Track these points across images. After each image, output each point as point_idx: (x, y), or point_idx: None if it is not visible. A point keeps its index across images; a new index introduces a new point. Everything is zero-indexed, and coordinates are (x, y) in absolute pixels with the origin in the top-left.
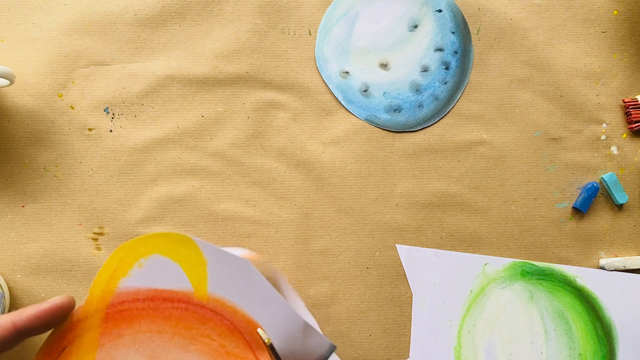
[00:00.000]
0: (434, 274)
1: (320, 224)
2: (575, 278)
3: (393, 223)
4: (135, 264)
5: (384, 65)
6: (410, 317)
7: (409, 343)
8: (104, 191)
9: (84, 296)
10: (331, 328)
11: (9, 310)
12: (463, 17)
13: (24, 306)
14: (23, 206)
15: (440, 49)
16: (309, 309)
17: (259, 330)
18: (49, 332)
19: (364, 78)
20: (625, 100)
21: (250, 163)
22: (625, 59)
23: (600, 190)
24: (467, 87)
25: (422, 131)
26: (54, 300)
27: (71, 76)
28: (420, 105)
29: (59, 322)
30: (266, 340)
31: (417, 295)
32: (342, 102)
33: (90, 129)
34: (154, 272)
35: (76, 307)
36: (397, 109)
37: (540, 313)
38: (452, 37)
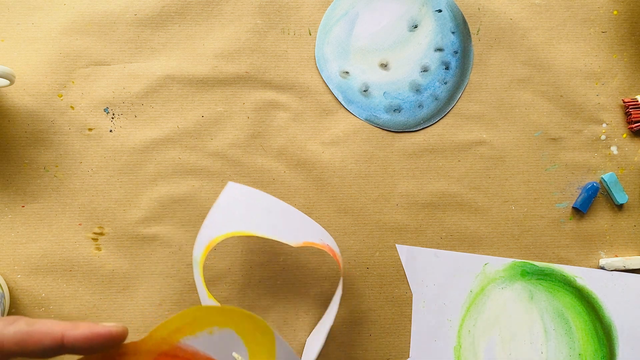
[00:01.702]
0: (434, 274)
1: (320, 223)
2: (575, 278)
3: (393, 223)
4: (207, 329)
5: (384, 65)
6: (410, 317)
7: (409, 343)
8: (104, 191)
9: (84, 296)
10: (331, 328)
11: (9, 311)
12: (463, 17)
13: (24, 306)
14: (23, 206)
15: (440, 49)
16: (309, 309)
17: (234, 354)
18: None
19: (364, 78)
20: (625, 100)
21: (250, 163)
22: (625, 59)
23: (600, 190)
24: (467, 87)
25: (422, 131)
26: (110, 326)
27: (71, 76)
28: (420, 105)
29: (106, 350)
30: None
31: (417, 295)
32: (342, 102)
33: (90, 129)
34: (220, 345)
35: (128, 341)
36: (397, 109)
37: (540, 313)
38: (452, 37)
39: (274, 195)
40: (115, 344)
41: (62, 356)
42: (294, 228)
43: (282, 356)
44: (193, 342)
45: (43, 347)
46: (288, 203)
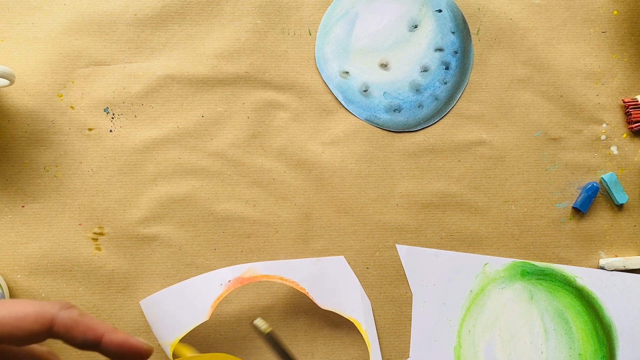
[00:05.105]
0: (434, 274)
1: (320, 224)
2: (575, 278)
3: (393, 223)
4: None
5: (384, 65)
6: (410, 317)
7: (409, 343)
8: (104, 191)
9: (84, 296)
10: (330, 329)
11: None
12: (463, 17)
13: None
14: (23, 206)
15: (440, 49)
16: (309, 309)
17: (256, 321)
18: None
19: (364, 78)
20: (625, 100)
21: (250, 163)
22: (625, 59)
23: (600, 190)
24: (467, 87)
25: (422, 131)
26: (143, 342)
27: (71, 76)
28: (420, 105)
29: None
30: (264, 329)
31: (417, 295)
32: (342, 102)
33: (90, 129)
34: None
35: None
36: (397, 109)
37: (540, 313)
38: (452, 37)
39: (273, 195)
40: (141, 358)
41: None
42: (214, 285)
43: None
44: None
45: (84, 339)
46: (288, 203)
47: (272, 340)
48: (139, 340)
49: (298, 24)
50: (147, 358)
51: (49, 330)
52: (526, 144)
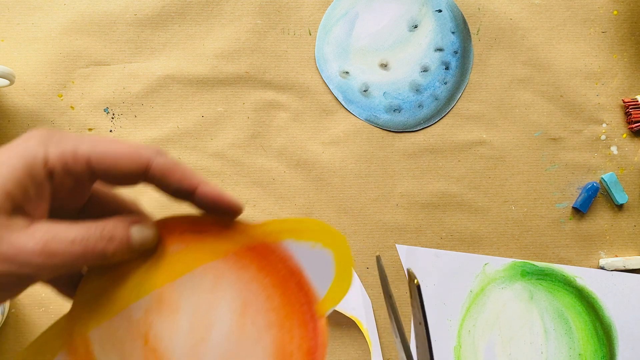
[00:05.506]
0: (434, 274)
1: None
2: (575, 278)
3: (393, 223)
4: (312, 242)
5: (384, 65)
6: (410, 317)
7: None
8: None
9: None
10: (331, 328)
11: (9, 311)
12: (463, 17)
13: (24, 306)
14: None
15: (440, 49)
16: None
17: (408, 269)
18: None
19: (364, 78)
20: (625, 100)
21: (250, 163)
22: (625, 59)
23: (600, 190)
24: (467, 87)
25: (422, 131)
26: (235, 198)
27: (71, 76)
28: (420, 105)
29: (222, 216)
30: (415, 282)
31: None
32: (342, 102)
33: (90, 129)
34: (314, 260)
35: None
36: (397, 109)
37: (540, 313)
38: (452, 37)
39: (273, 195)
40: (232, 214)
41: None
42: None
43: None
44: (294, 247)
45: (179, 186)
46: (288, 203)
47: (419, 293)
48: (233, 196)
49: (298, 24)
50: (238, 215)
51: (144, 173)
52: (526, 144)
